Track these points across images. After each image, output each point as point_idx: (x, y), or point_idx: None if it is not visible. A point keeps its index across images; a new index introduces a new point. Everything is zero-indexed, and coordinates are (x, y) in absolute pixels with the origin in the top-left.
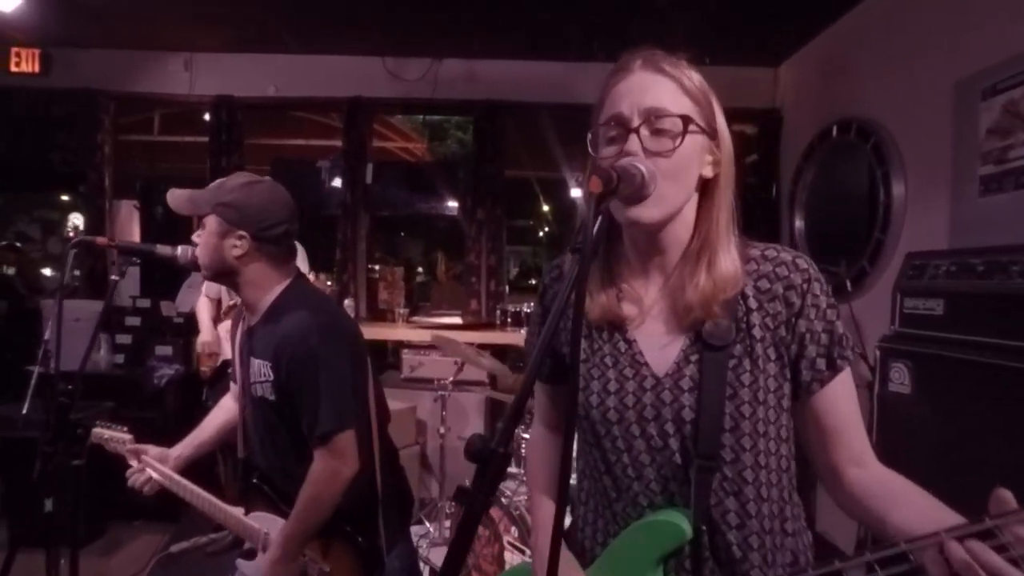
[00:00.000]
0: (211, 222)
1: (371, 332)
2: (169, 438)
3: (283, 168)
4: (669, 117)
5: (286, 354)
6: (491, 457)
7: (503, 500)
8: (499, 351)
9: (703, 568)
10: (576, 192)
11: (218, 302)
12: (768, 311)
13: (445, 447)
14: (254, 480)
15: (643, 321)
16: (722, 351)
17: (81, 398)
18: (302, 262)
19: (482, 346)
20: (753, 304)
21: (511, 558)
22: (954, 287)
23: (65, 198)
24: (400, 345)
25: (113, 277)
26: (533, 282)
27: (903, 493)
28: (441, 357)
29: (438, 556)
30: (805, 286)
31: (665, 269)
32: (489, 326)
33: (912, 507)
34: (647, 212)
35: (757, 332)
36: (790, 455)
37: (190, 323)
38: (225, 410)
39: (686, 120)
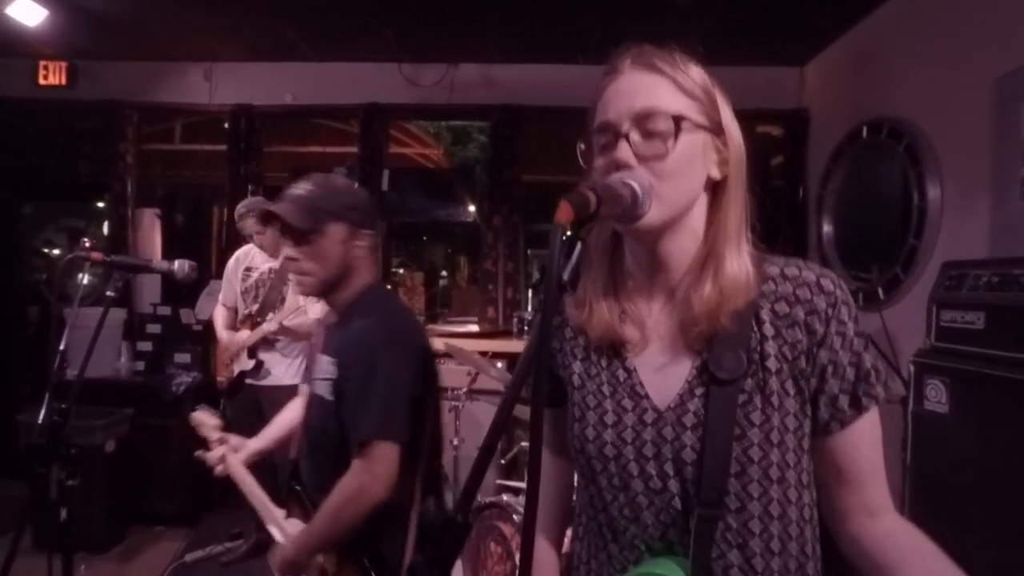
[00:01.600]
0: (337, 230)
1: None
2: (186, 448)
3: (300, 177)
4: (661, 118)
5: (348, 352)
6: (449, 527)
7: (515, 517)
8: (516, 360)
9: None
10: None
11: (234, 311)
12: (786, 339)
13: (459, 458)
14: (294, 485)
15: (645, 346)
16: (731, 385)
17: (101, 404)
18: None
19: (498, 355)
20: (769, 331)
21: None
22: (996, 299)
23: (92, 207)
24: None
25: (109, 293)
26: None
27: (917, 553)
28: (456, 366)
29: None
30: (830, 311)
31: (670, 286)
32: (506, 334)
33: (923, 572)
34: (647, 216)
35: (772, 364)
36: (813, 502)
37: (209, 331)
38: (298, 410)
39: (678, 119)
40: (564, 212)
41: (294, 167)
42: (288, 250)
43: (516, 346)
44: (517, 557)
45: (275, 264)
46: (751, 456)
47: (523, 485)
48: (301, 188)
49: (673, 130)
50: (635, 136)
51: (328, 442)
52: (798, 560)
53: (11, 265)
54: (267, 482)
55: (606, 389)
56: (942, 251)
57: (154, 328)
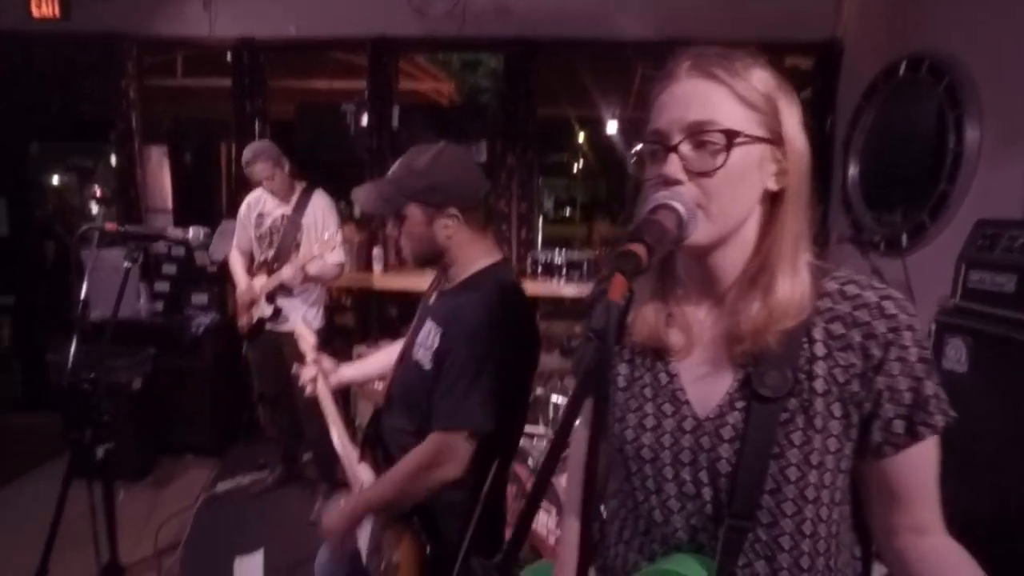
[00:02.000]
0: (415, 212)
1: (399, 282)
2: (209, 386)
3: (307, 114)
4: (713, 131)
5: (461, 332)
6: None
7: (529, 461)
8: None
9: None
10: (612, 129)
11: (250, 256)
12: (838, 361)
13: None
14: (371, 434)
15: (689, 352)
16: (773, 403)
17: (123, 343)
18: (330, 216)
19: None
20: (820, 351)
21: (537, 515)
22: None
23: (99, 145)
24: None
25: (126, 264)
26: (568, 212)
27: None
28: None
29: None
30: (890, 336)
31: (718, 296)
32: (519, 275)
33: None
34: (694, 235)
35: (820, 385)
36: (842, 517)
37: (223, 272)
38: (395, 354)
39: (731, 134)
40: (619, 287)
41: (301, 103)
42: (389, 228)
43: (530, 287)
44: None
45: (287, 210)
46: (788, 476)
47: (537, 429)
48: (391, 171)
49: (725, 144)
50: (686, 149)
51: (419, 409)
52: (816, 564)
53: (24, 204)
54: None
55: (648, 392)
56: (973, 200)
57: (169, 269)
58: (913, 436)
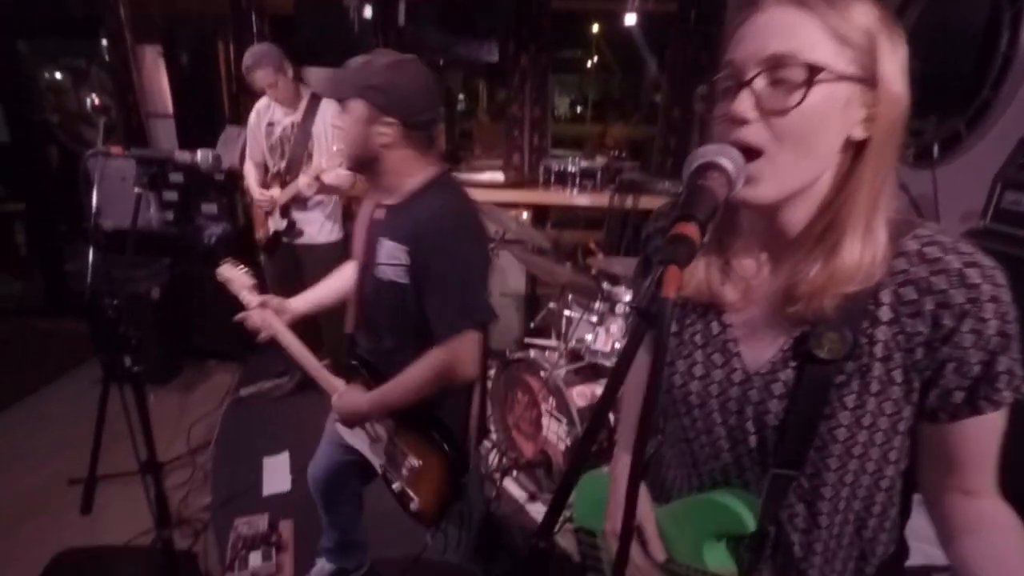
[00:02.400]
0: (357, 107)
1: None
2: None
3: (308, 8)
4: (794, 65)
5: (432, 243)
6: (533, 555)
7: (542, 374)
8: (541, 212)
9: (760, 555)
10: (631, 21)
11: (264, 167)
12: (904, 327)
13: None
14: (353, 361)
15: (745, 305)
16: (829, 365)
17: (137, 254)
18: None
19: (524, 205)
20: (886, 315)
21: (547, 423)
22: None
23: (92, 44)
24: None
25: (137, 190)
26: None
27: (1008, 552)
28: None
29: None
30: (967, 307)
31: (781, 250)
32: (532, 183)
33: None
34: (757, 192)
35: (880, 350)
36: (896, 475)
37: (231, 179)
38: (347, 279)
39: (813, 69)
40: (674, 281)
41: None
42: (336, 116)
43: (542, 196)
44: (543, 406)
45: (296, 118)
46: (836, 436)
47: (548, 343)
48: (350, 61)
49: (805, 79)
50: (761, 84)
51: (407, 324)
52: (859, 515)
53: (21, 108)
54: (312, 343)
55: (698, 339)
56: (1016, 113)
57: (177, 178)
58: (974, 409)
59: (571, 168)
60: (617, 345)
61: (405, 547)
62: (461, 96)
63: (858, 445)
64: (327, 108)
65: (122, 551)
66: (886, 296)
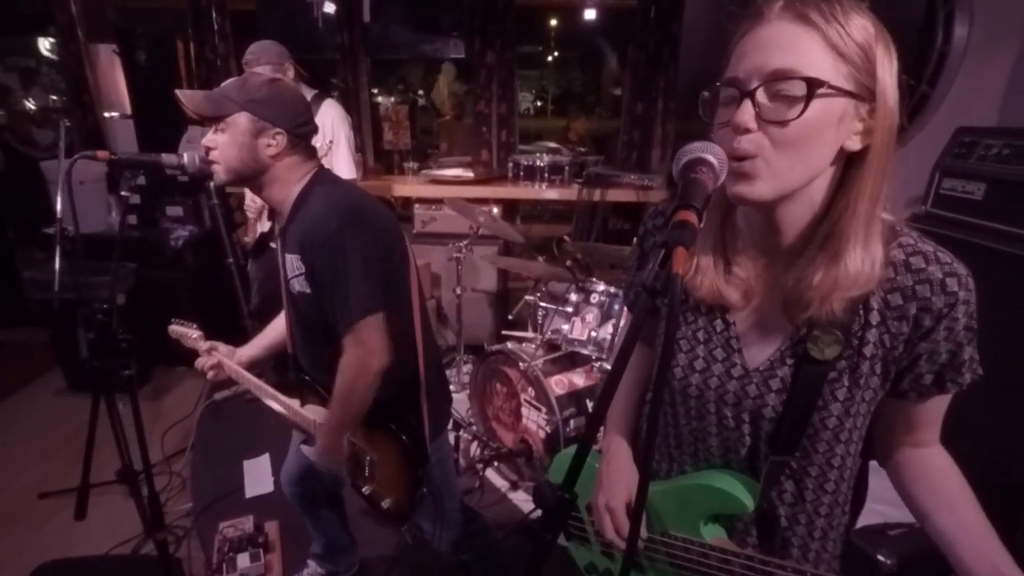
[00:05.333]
0: (242, 122)
1: (382, 186)
2: (193, 298)
3: (270, 4)
4: (795, 80)
5: (312, 243)
6: (560, 503)
7: (520, 364)
8: (511, 206)
9: (751, 526)
10: (590, 15)
11: None
12: (890, 329)
13: (462, 300)
14: (303, 376)
15: (747, 303)
16: (823, 365)
17: (101, 259)
18: (340, 129)
19: (494, 201)
20: (875, 318)
21: (527, 412)
22: (1000, 172)
23: (39, 42)
24: (410, 200)
25: (123, 193)
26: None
27: (952, 491)
28: (456, 215)
29: (457, 403)
30: (945, 311)
31: (779, 250)
32: (500, 179)
33: (957, 514)
34: (753, 188)
35: (869, 350)
36: (861, 445)
37: (195, 181)
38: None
39: (813, 84)
40: (681, 259)
41: None
42: (206, 137)
43: (511, 191)
44: (522, 396)
45: None
46: (827, 424)
47: (525, 334)
48: (222, 84)
49: (805, 94)
50: (762, 97)
51: (319, 330)
52: (837, 486)
53: None
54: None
55: (701, 335)
56: (952, 106)
57: (137, 179)
58: (940, 390)
59: (539, 163)
60: (593, 334)
61: (392, 544)
62: (420, 92)
63: (845, 431)
64: (327, 111)
65: (104, 560)
66: (875, 302)
